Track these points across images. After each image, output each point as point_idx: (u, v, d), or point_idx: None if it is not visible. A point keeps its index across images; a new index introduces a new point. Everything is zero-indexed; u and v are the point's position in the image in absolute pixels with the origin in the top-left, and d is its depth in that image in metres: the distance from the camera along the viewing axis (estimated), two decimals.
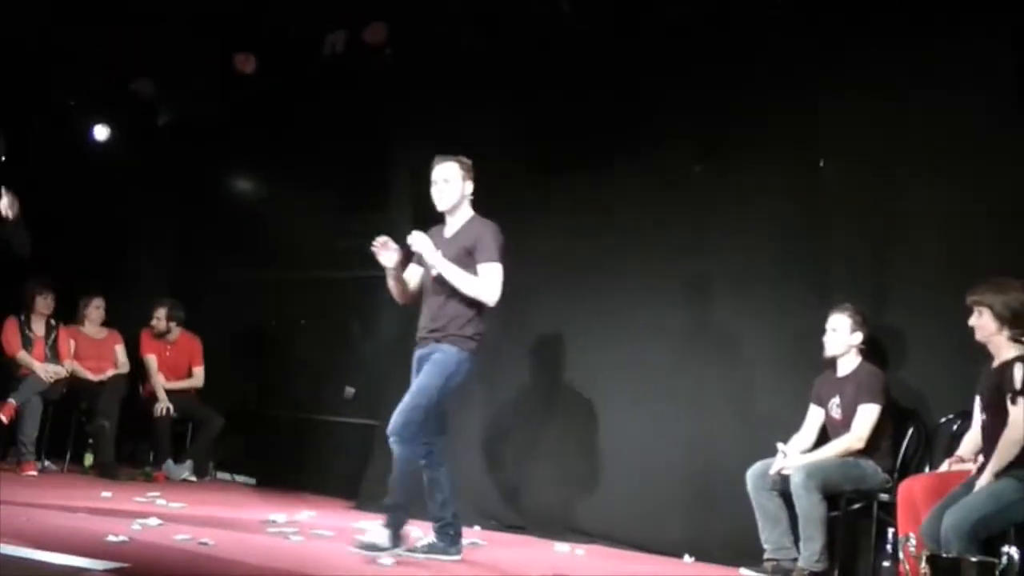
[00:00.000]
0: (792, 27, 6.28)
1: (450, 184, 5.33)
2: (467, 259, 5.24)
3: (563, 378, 6.93)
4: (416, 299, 5.47)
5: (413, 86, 7.88)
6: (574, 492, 6.70)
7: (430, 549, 5.24)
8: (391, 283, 5.40)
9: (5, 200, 5.43)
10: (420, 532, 5.46)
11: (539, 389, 7.02)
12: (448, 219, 5.42)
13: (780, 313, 6.22)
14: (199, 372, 8.53)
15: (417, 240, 5.21)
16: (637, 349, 6.67)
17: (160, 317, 8.41)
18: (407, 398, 5.18)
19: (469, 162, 5.40)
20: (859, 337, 5.65)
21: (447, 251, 5.26)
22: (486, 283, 5.24)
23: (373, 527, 5.15)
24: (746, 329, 6.32)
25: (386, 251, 5.25)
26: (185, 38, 7.84)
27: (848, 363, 5.69)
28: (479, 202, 7.36)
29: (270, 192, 9.08)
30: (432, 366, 5.19)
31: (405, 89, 7.92)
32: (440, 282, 5.25)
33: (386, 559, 4.94)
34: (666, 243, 6.63)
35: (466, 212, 5.41)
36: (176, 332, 8.47)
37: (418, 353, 5.32)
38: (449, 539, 5.29)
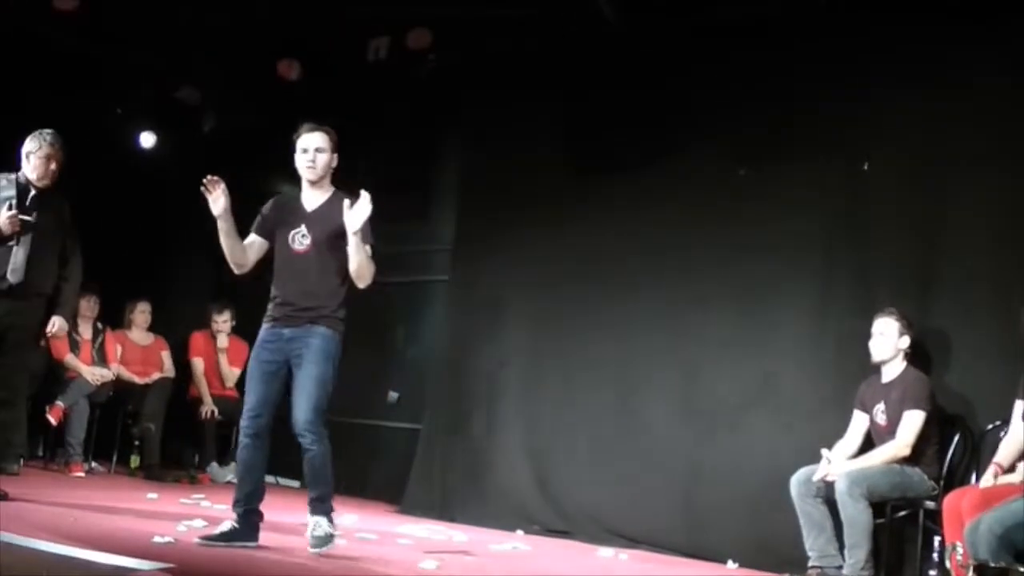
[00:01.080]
0: (836, 28, 6.25)
1: (323, 154, 5.10)
2: (339, 239, 4.94)
3: (605, 382, 6.91)
4: (252, 270, 5.15)
5: (456, 91, 7.91)
6: (617, 497, 6.68)
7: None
8: (223, 239, 5.01)
9: (3, 215, 5.49)
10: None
11: (581, 392, 7.00)
12: (309, 189, 5.12)
13: (824, 317, 6.17)
14: (235, 373, 8.58)
15: (361, 210, 4.84)
16: (680, 353, 6.65)
17: (226, 319, 8.49)
18: (308, 389, 4.88)
19: (335, 134, 5.18)
20: (907, 341, 5.59)
21: (315, 228, 4.99)
22: (372, 266, 5.01)
23: (316, 523, 4.92)
24: (789, 334, 6.27)
25: (215, 192, 4.96)
26: (229, 46, 7.91)
27: (894, 368, 5.63)
28: (522, 202, 7.43)
29: None
30: (319, 354, 4.89)
31: (448, 94, 7.95)
32: (314, 257, 4.99)
33: (429, 563, 4.95)
34: (709, 245, 6.60)
35: (328, 185, 5.14)
36: (228, 336, 8.57)
37: (286, 332, 4.94)
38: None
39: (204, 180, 4.94)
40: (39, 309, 5.73)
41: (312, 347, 4.92)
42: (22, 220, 5.51)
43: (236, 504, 4.95)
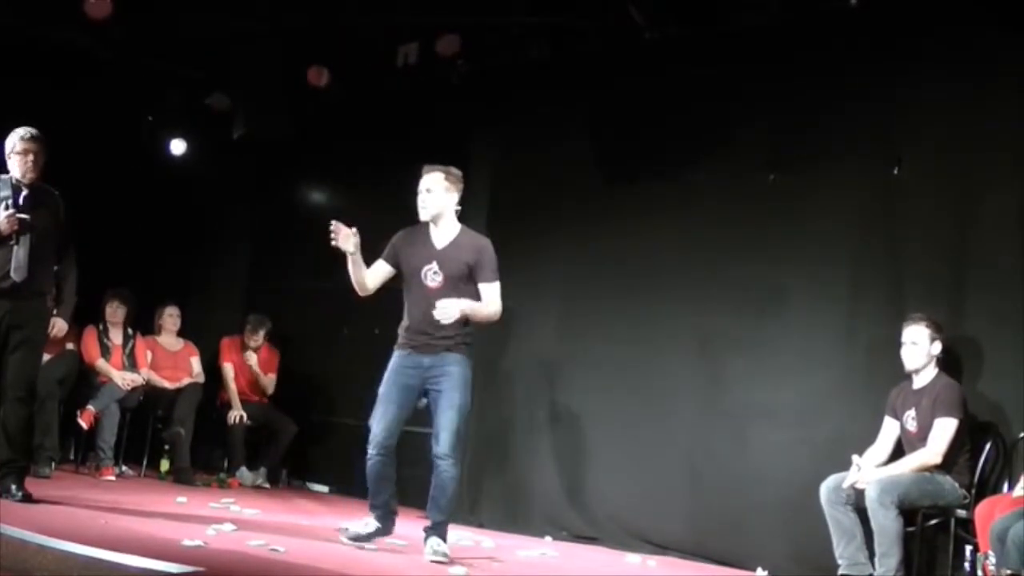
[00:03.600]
0: (866, 31, 6.21)
1: (432, 194, 5.35)
2: (468, 274, 5.30)
3: (634, 387, 6.89)
4: (371, 295, 5.50)
5: (485, 97, 7.92)
6: (646, 503, 6.67)
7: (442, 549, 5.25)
8: (352, 270, 5.38)
9: (2, 215, 5.52)
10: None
11: (610, 398, 6.99)
12: (433, 228, 5.41)
13: (854, 322, 6.13)
14: (271, 380, 8.64)
15: (448, 311, 5.17)
16: (708, 359, 6.63)
17: (259, 338, 8.55)
18: (451, 417, 5.22)
19: (459, 173, 5.43)
20: (938, 347, 5.54)
21: (447, 266, 5.30)
22: (496, 304, 5.36)
23: (438, 543, 5.20)
24: (819, 340, 6.24)
25: (342, 236, 5.25)
26: (259, 53, 7.95)
27: (925, 375, 5.58)
28: (550, 207, 7.43)
29: (343, 204, 9.17)
30: (458, 381, 5.26)
31: (477, 100, 7.96)
32: (449, 292, 5.26)
33: (458, 569, 4.95)
34: (738, 250, 6.58)
35: (453, 223, 5.44)
36: (261, 343, 8.61)
37: (425, 360, 5.29)
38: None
39: (330, 227, 5.24)
40: (42, 307, 5.72)
41: (452, 375, 5.26)
42: (20, 219, 5.53)
43: (374, 508, 5.42)
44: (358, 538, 5.35)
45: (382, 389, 5.37)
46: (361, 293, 5.50)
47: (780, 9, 6.54)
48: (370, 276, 5.45)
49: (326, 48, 8.05)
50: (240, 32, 7.71)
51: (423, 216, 5.39)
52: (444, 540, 5.22)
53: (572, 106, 7.45)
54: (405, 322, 5.40)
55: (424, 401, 8.19)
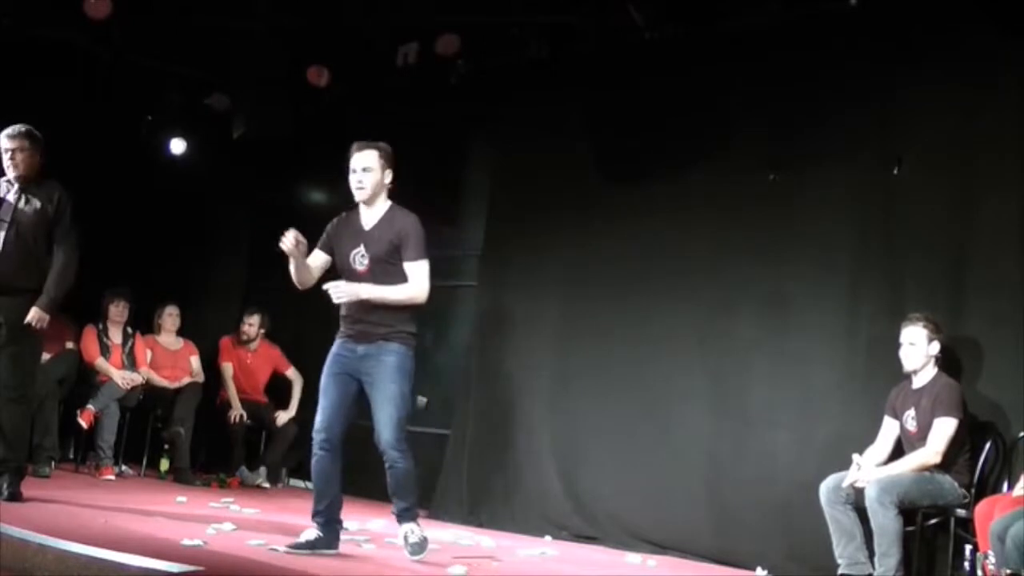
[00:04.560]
0: (865, 31, 6.21)
1: (370, 173, 5.13)
2: (394, 254, 5.07)
3: (634, 386, 6.89)
4: (316, 284, 5.26)
5: (485, 97, 7.92)
6: (646, 503, 6.67)
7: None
8: (292, 267, 5.14)
9: None
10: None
11: (609, 397, 6.99)
12: (365, 208, 5.18)
13: (854, 322, 6.13)
14: (292, 372, 8.66)
15: (340, 290, 5.02)
16: (708, 358, 6.64)
17: (253, 324, 8.56)
18: (388, 409, 4.99)
19: (390, 149, 5.22)
20: (936, 347, 5.54)
21: (371, 244, 5.09)
22: (419, 285, 5.09)
23: (409, 530, 5.08)
24: (819, 339, 6.24)
25: (293, 241, 5.01)
26: (259, 53, 7.96)
27: (924, 375, 5.58)
28: (550, 207, 7.43)
29: (343, 203, 9.16)
30: (392, 371, 5.02)
31: (477, 100, 7.96)
32: (378, 275, 5.07)
33: (457, 569, 4.95)
34: (738, 250, 6.58)
35: (384, 202, 5.20)
36: (258, 341, 8.62)
37: (359, 348, 5.07)
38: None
39: (284, 240, 5.01)
40: (25, 304, 5.57)
41: (386, 364, 5.04)
42: None
43: (316, 515, 5.04)
44: (297, 547, 4.90)
45: (321, 381, 5.16)
46: (300, 287, 5.24)
47: (780, 9, 6.55)
48: (311, 269, 5.21)
49: (326, 48, 8.05)
50: (240, 32, 7.71)
51: (360, 197, 5.14)
52: (415, 522, 5.08)
53: (571, 106, 7.46)
54: (342, 309, 5.17)
55: (423, 400, 8.22)
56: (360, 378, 5.09)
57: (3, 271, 5.55)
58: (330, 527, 5.04)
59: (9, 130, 5.71)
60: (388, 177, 5.20)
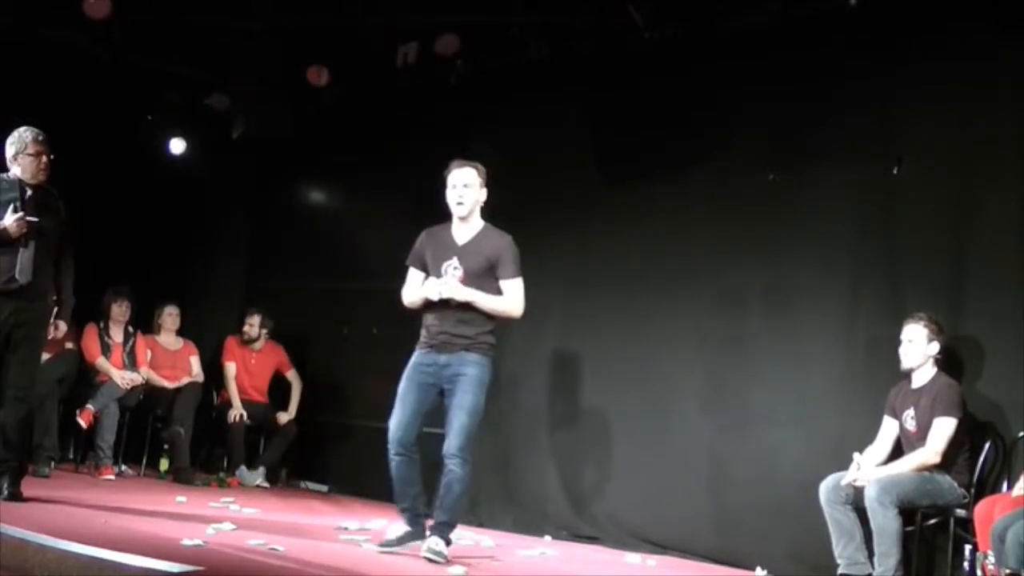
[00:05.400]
0: (865, 31, 6.21)
1: (470, 189, 5.30)
2: (489, 270, 5.27)
3: (633, 386, 6.90)
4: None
5: (484, 97, 7.92)
6: (646, 503, 6.67)
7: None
8: (420, 299, 5.35)
9: (11, 218, 5.53)
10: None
11: (609, 397, 7.00)
12: (459, 224, 5.37)
13: (853, 322, 6.13)
14: (292, 374, 8.66)
15: (447, 288, 5.17)
16: (707, 358, 6.64)
17: (253, 324, 8.55)
18: (461, 418, 5.16)
19: (484, 169, 5.40)
20: (936, 347, 5.54)
21: (467, 260, 5.26)
22: (515, 300, 5.31)
23: (436, 541, 5.13)
24: (819, 339, 6.24)
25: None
26: (259, 53, 7.95)
27: (924, 374, 5.58)
28: (549, 206, 7.43)
29: (342, 203, 9.18)
30: (471, 383, 5.20)
31: (476, 100, 7.96)
32: (464, 284, 5.23)
33: (456, 569, 4.95)
34: (737, 250, 6.58)
35: (478, 219, 5.40)
36: (263, 341, 8.61)
37: (441, 358, 5.24)
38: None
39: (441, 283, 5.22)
40: (44, 308, 5.74)
41: (467, 374, 5.21)
42: (29, 222, 5.54)
43: (404, 511, 5.34)
44: (388, 544, 5.26)
45: (399, 388, 5.33)
46: (412, 308, 5.44)
47: (780, 9, 6.54)
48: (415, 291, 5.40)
49: (325, 48, 8.05)
50: (239, 32, 7.71)
51: (460, 212, 5.33)
52: (445, 541, 5.15)
53: (571, 106, 7.46)
54: (425, 320, 5.36)
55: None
56: (442, 386, 5.27)
57: (33, 277, 5.59)
58: (416, 520, 5.31)
59: (38, 133, 5.69)
60: (484, 195, 5.38)
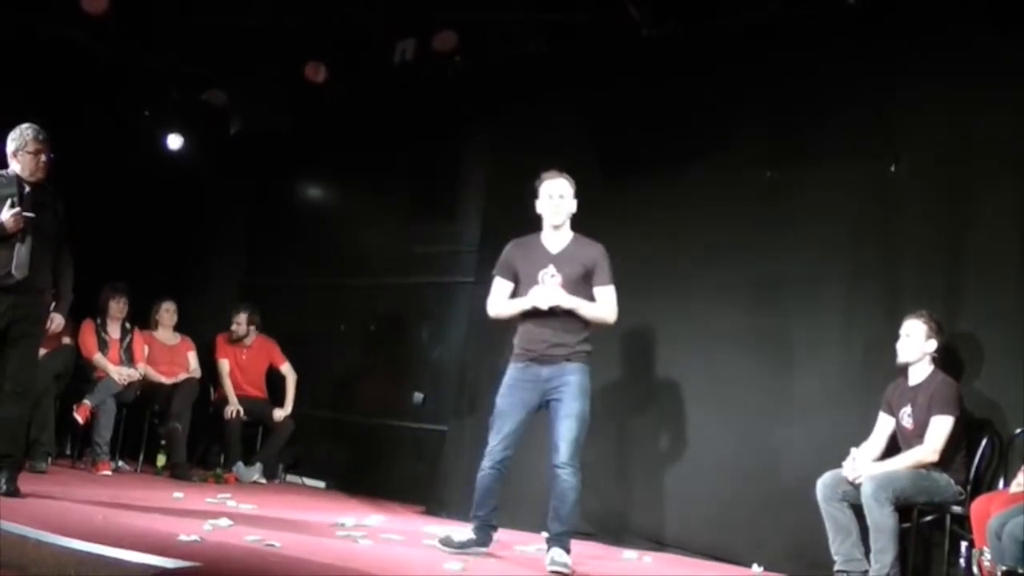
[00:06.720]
0: (863, 29, 6.22)
1: (565, 200, 5.43)
2: (585, 277, 5.34)
3: (630, 383, 6.90)
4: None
5: (482, 93, 7.92)
6: (642, 499, 6.68)
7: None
8: (509, 312, 5.47)
9: (8, 213, 5.53)
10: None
11: (606, 394, 6.98)
12: (551, 233, 5.45)
13: (851, 320, 6.14)
14: (287, 368, 8.65)
15: (550, 297, 5.24)
16: (705, 356, 6.64)
17: (240, 322, 8.55)
18: (569, 425, 5.22)
19: (573, 180, 5.51)
20: (933, 344, 5.55)
21: (564, 267, 5.34)
22: (611, 306, 5.38)
23: (559, 553, 5.17)
24: (816, 337, 6.25)
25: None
26: (256, 49, 7.95)
27: (920, 371, 5.59)
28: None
29: (340, 199, 9.19)
30: (576, 390, 5.26)
31: (474, 96, 7.95)
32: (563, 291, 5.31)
33: (454, 564, 4.95)
34: (736, 247, 6.58)
35: (568, 228, 5.48)
36: (252, 336, 8.60)
37: (544, 371, 5.31)
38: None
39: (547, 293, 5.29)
40: (42, 304, 5.76)
41: (572, 384, 5.26)
42: (25, 218, 5.55)
43: (476, 518, 5.43)
44: (449, 543, 5.36)
45: (500, 402, 5.39)
46: (500, 318, 5.54)
47: (780, 8, 6.54)
48: (509, 304, 5.48)
49: (323, 44, 8.05)
50: (238, 28, 7.70)
51: (557, 220, 5.42)
52: (566, 551, 5.18)
53: (569, 103, 7.45)
54: (520, 331, 5.41)
55: (419, 396, 8.23)
56: (548, 399, 5.32)
57: (30, 272, 5.59)
58: (484, 530, 5.40)
59: (38, 130, 5.70)
60: (574, 205, 5.47)
